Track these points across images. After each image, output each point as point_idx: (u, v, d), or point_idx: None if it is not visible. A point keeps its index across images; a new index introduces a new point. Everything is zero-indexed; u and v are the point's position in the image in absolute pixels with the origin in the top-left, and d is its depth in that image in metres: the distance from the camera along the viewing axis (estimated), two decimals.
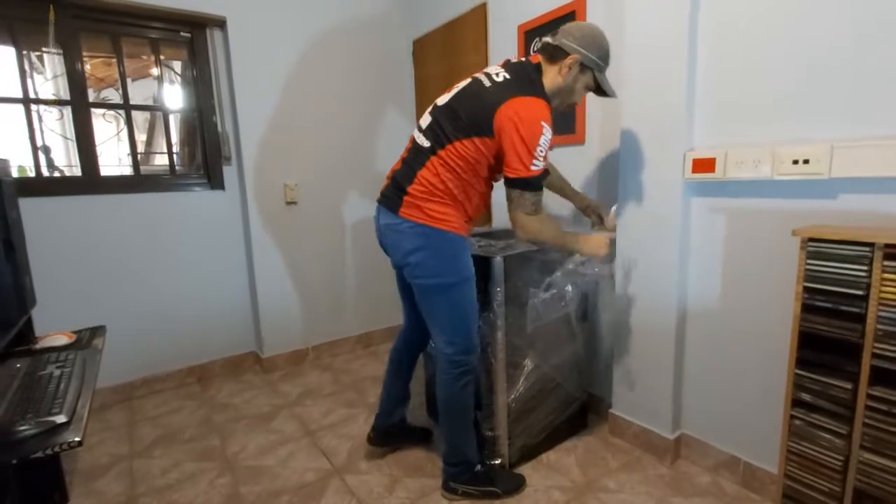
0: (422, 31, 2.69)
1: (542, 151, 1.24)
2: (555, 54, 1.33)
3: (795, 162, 1.25)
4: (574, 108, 1.33)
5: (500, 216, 2.30)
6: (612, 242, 1.53)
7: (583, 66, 1.33)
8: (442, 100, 1.40)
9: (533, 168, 1.24)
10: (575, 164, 1.92)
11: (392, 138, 2.81)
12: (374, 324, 2.93)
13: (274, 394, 2.32)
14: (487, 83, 1.32)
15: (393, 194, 1.41)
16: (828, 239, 1.06)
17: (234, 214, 2.50)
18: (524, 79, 1.32)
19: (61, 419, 0.89)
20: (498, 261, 1.48)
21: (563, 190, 1.76)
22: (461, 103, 1.34)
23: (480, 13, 2.26)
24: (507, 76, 1.33)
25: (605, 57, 1.35)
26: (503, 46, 2.18)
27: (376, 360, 2.69)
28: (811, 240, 1.08)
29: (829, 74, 1.20)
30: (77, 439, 0.86)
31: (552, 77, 1.35)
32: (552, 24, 1.92)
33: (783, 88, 1.29)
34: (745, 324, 1.45)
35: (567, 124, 1.93)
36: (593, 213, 1.72)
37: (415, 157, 1.39)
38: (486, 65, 2.28)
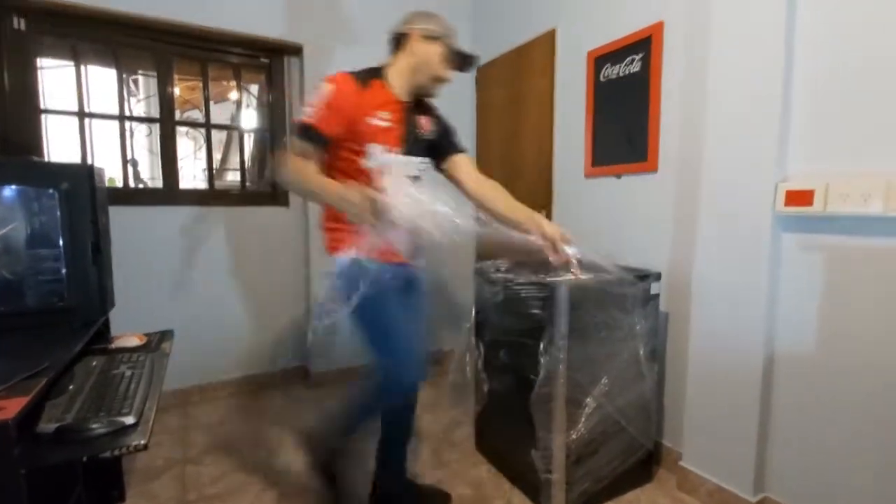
0: (486, 59, 2.72)
1: (313, 101, 1.26)
2: (398, 43, 1.36)
3: None
4: (440, 82, 1.42)
5: None
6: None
7: (427, 39, 1.33)
8: None
9: (301, 116, 1.27)
10: (646, 195, 1.82)
11: None
12: None
13: (321, 411, 2.30)
14: None
15: None
16: None
17: (296, 231, 2.58)
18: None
19: (130, 420, 0.90)
20: (563, 290, 1.41)
21: (502, 212, 1.37)
22: None
23: (548, 39, 2.25)
24: None
25: (444, 26, 1.35)
26: (572, 73, 2.14)
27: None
28: None
29: None
30: (143, 442, 0.86)
31: (402, 61, 1.35)
32: (625, 50, 1.87)
33: None
34: (848, 380, 1.28)
35: (637, 151, 1.84)
36: (550, 241, 1.26)
37: None
38: (552, 90, 2.26)
